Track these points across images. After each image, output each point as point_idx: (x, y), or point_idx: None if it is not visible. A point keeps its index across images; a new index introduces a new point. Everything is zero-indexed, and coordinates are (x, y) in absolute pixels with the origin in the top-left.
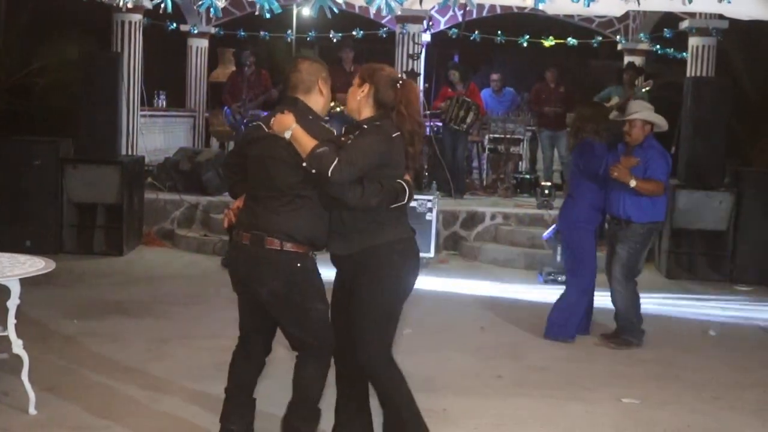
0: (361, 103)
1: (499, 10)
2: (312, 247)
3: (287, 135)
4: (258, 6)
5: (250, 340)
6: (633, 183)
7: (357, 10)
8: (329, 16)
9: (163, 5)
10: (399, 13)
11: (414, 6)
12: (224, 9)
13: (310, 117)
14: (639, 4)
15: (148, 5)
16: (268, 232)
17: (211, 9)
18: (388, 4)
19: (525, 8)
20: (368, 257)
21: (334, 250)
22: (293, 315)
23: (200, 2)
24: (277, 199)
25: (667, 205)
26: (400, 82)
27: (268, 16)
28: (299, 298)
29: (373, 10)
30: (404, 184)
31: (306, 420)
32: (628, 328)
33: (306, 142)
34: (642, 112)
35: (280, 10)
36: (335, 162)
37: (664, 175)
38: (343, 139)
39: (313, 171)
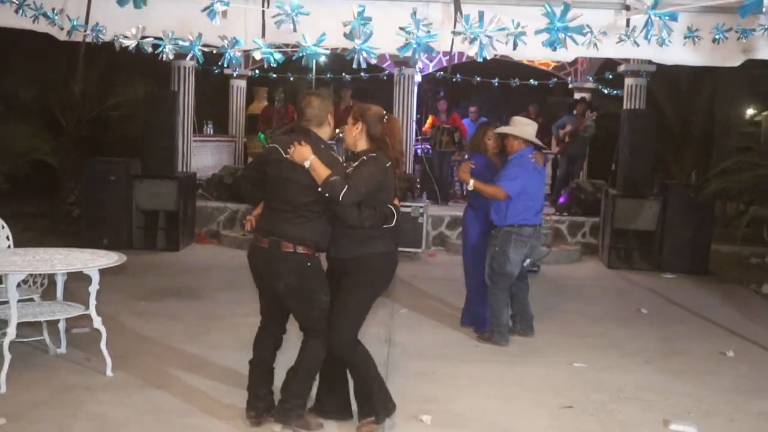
0: (356, 138)
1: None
2: (317, 251)
3: (306, 164)
4: (264, 59)
5: (269, 323)
6: (471, 185)
7: (339, 51)
8: (322, 63)
9: (269, 59)
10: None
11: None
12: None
13: (322, 146)
14: (598, 49)
15: (197, 54)
16: (284, 238)
17: (233, 59)
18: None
19: (495, 55)
20: (359, 263)
21: (333, 254)
22: (302, 304)
23: (223, 58)
24: (292, 212)
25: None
26: (386, 117)
27: (274, 64)
28: (307, 291)
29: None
30: (393, 208)
31: (305, 387)
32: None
33: (321, 172)
34: (512, 128)
35: (282, 59)
36: (345, 189)
37: (507, 183)
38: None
39: (327, 195)
